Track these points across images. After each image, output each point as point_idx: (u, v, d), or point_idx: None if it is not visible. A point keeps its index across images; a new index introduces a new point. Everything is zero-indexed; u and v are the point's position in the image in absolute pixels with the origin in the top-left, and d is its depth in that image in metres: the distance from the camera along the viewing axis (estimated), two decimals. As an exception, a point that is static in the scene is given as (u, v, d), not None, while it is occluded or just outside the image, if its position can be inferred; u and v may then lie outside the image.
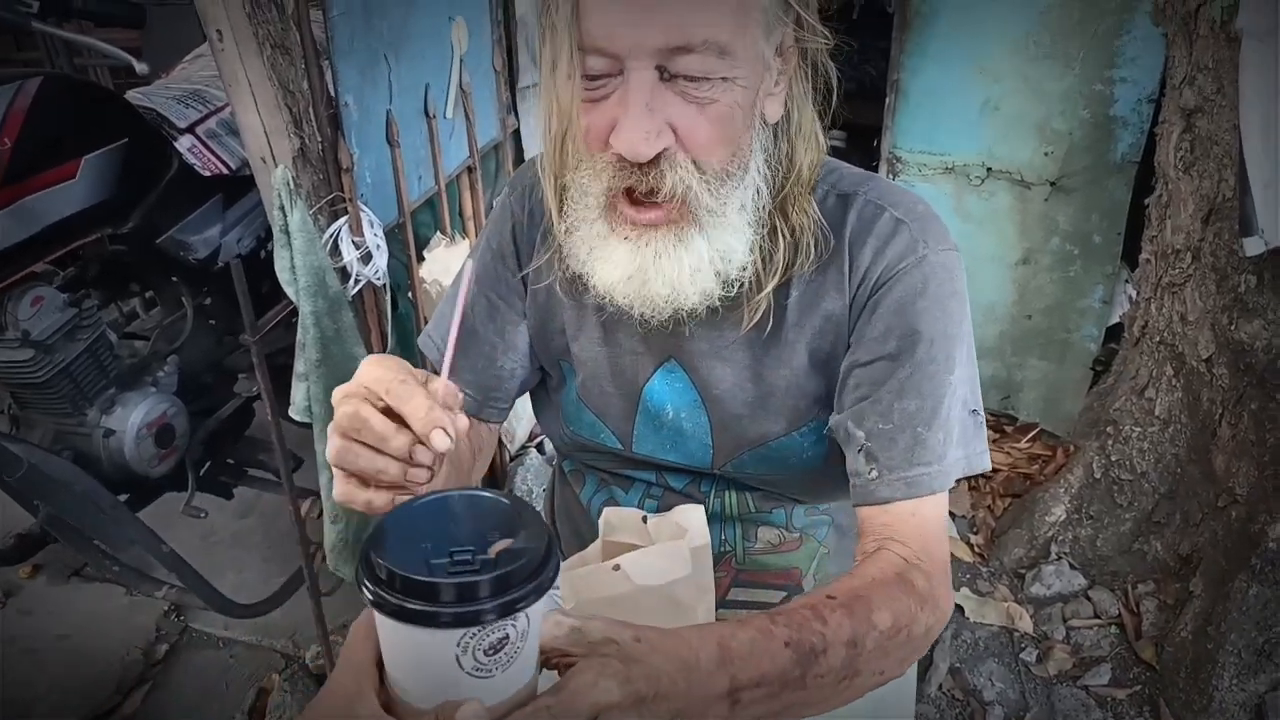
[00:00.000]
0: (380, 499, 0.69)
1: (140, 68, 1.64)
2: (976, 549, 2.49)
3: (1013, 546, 2.40)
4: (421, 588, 0.50)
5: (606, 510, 1.03)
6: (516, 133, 2.39)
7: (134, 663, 2.16)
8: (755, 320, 0.94)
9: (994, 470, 2.64)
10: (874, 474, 0.91)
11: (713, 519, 1.09)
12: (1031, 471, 2.62)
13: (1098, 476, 2.27)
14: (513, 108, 2.32)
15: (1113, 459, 2.23)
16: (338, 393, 0.70)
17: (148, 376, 1.96)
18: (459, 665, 0.51)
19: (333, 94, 1.61)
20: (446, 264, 2.04)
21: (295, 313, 1.60)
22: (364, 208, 1.70)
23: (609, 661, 0.60)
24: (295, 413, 1.61)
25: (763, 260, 0.92)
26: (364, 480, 0.69)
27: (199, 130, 2.09)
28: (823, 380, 0.98)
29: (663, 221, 0.86)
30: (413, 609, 0.50)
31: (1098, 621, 2.24)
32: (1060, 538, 2.34)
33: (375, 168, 1.75)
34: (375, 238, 1.72)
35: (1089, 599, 2.28)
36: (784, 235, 0.91)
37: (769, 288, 0.92)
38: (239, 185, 2.14)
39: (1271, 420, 1.90)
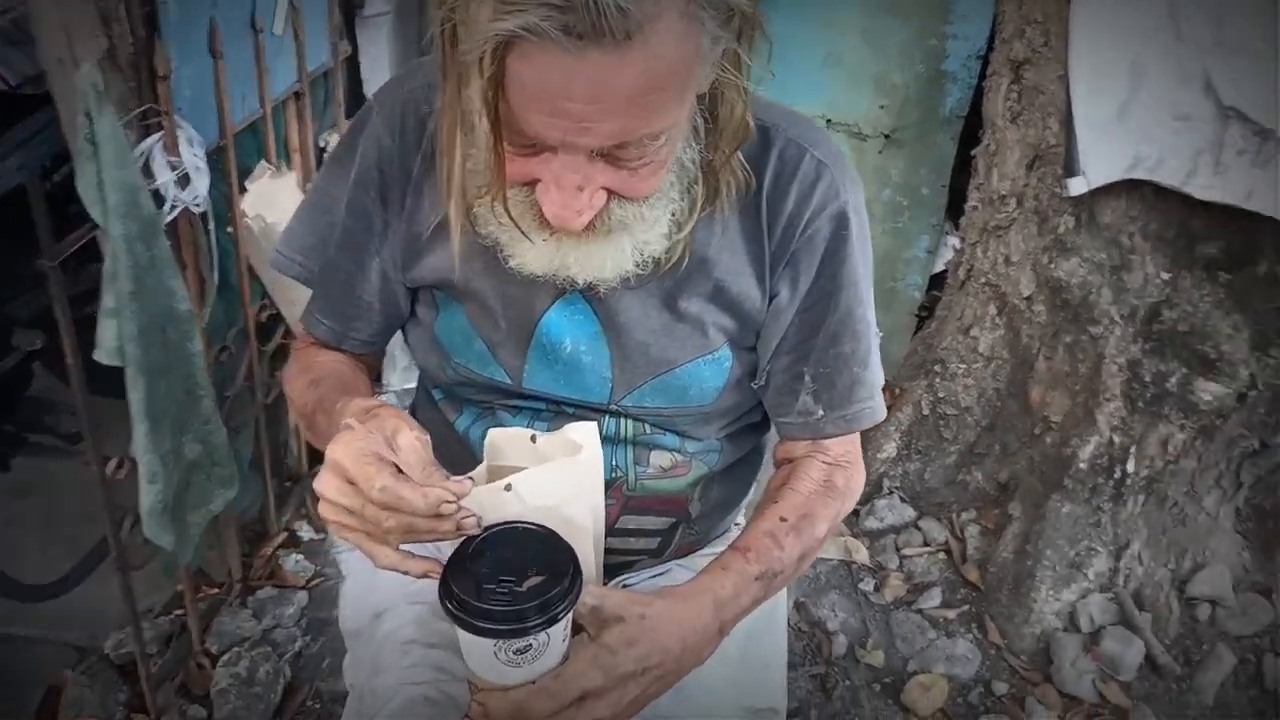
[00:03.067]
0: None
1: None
2: (814, 488, 2.57)
3: (848, 484, 2.49)
4: (469, 608, 0.72)
5: (492, 431, 0.96)
6: (351, 61, 2.21)
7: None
8: (672, 262, 0.91)
9: (827, 413, 2.75)
10: (821, 412, 1.00)
11: (605, 443, 1.04)
12: (861, 414, 2.74)
13: (925, 413, 2.40)
14: (347, 33, 2.14)
15: (939, 396, 2.37)
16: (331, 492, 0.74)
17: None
18: (497, 658, 0.74)
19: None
20: (273, 197, 1.85)
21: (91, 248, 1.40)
22: (182, 122, 1.51)
23: (600, 653, 0.77)
24: (104, 355, 1.40)
25: (680, 206, 0.89)
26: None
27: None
28: (729, 316, 0.98)
29: (589, 232, 0.83)
30: (462, 619, 0.72)
31: (927, 549, 2.38)
32: (891, 473, 2.46)
33: (195, 80, 1.56)
34: (195, 158, 1.53)
35: (919, 529, 2.42)
36: (705, 179, 0.89)
37: (686, 230, 0.89)
38: (18, 105, 1.85)
39: (1083, 351, 2.07)
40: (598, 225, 0.82)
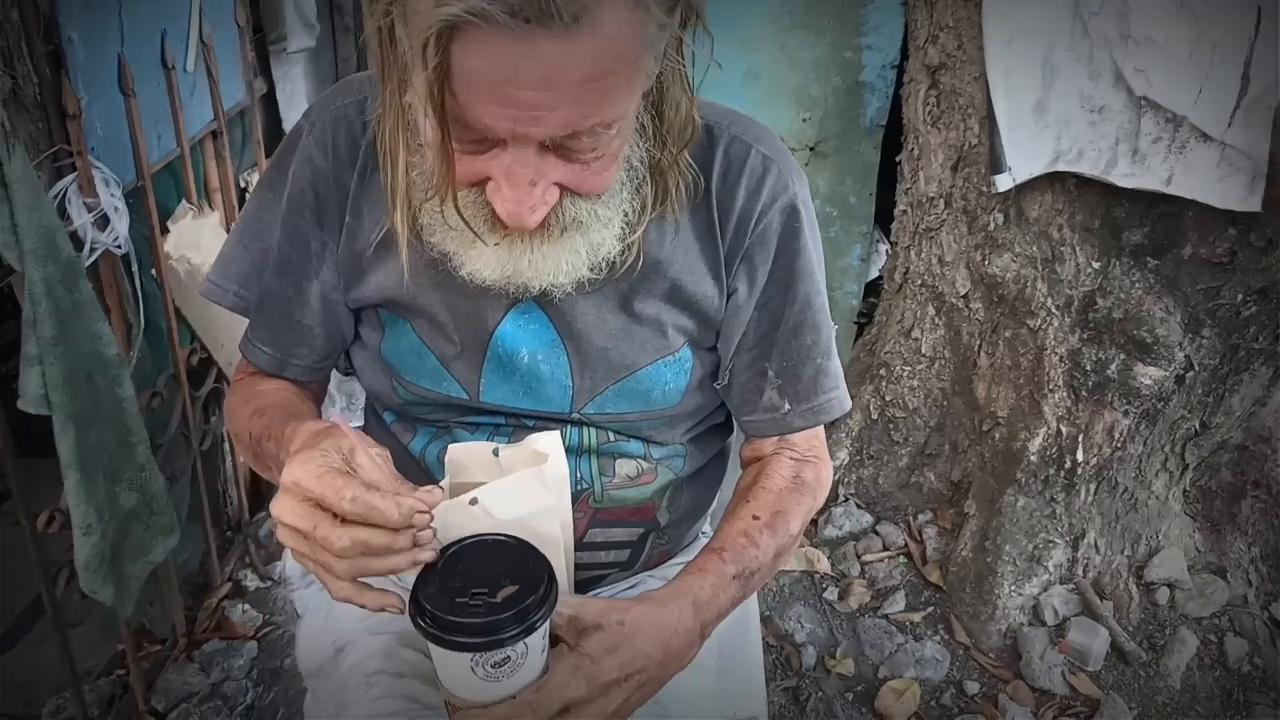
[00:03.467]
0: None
1: None
2: (770, 504, 2.56)
3: (804, 496, 2.49)
4: (442, 622, 0.69)
5: (453, 447, 0.94)
6: (268, 99, 2.16)
7: None
8: (626, 265, 0.89)
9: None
10: (787, 406, 1.00)
11: (568, 454, 1.01)
12: (810, 426, 2.75)
13: (874, 418, 2.41)
14: (261, 70, 2.09)
15: (887, 399, 2.38)
16: (285, 515, 0.71)
17: None
18: (475, 674, 0.71)
19: (51, 29, 1.36)
20: (196, 238, 1.79)
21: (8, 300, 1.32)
22: (96, 162, 1.45)
23: (581, 662, 0.75)
24: (29, 404, 1.32)
25: (631, 208, 0.87)
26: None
27: None
28: (688, 316, 0.97)
29: (541, 231, 0.80)
30: (435, 634, 0.70)
31: (887, 554, 2.38)
32: (846, 479, 2.46)
33: (107, 120, 1.51)
34: (113, 198, 1.47)
35: (877, 534, 2.42)
36: (653, 181, 0.88)
37: (638, 233, 0.88)
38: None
39: (1024, 345, 2.11)
40: (552, 224, 0.80)
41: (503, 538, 0.77)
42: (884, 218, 2.54)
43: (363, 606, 0.72)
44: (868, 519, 2.46)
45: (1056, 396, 2.08)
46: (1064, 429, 2.11)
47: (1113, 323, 1.97)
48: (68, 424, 1.35)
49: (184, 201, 1.78)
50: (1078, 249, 1.96)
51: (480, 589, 0.71)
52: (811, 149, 2.51)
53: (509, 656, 0.71)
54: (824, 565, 2.36)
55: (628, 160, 0.83)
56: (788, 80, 2.43)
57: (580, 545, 1.04)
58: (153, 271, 1.69)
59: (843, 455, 2.47)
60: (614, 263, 0.89)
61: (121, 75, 1.51)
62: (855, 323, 2.76)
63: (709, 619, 0.86)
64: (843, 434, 2.47)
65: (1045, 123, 1.82)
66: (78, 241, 1.42)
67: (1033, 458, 2.13)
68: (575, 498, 1.01)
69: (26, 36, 1.32)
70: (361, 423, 1.16)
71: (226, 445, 2.16)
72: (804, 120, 2.47)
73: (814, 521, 2.48)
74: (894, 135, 2.39)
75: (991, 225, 2.03)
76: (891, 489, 2.46)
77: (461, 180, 0.77)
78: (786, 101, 2.46)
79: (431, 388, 0.99)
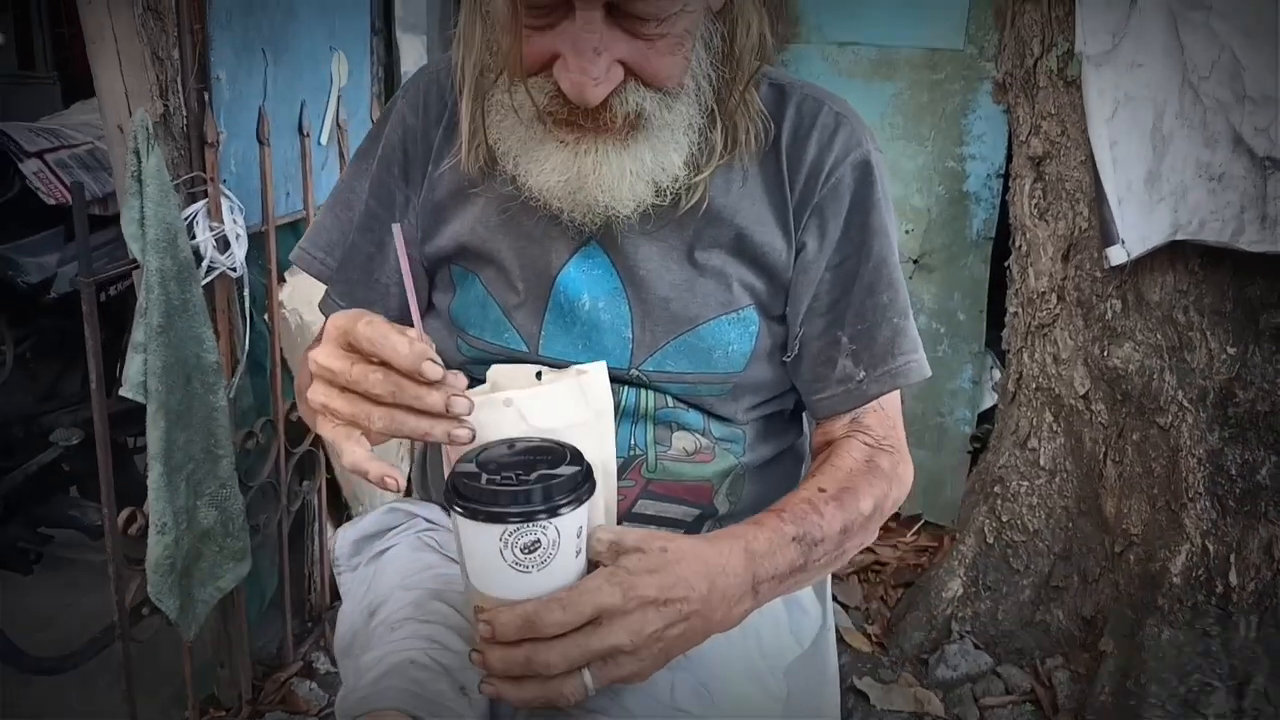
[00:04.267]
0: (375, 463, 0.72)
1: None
2: (874, 638, 2.33)
3: (912, 631, 2.26)
4: (472, 492, 0.69)
5: (495, 367, 0.93)
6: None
7: None
8: (690, 205, 0.90)
9: (883, 563, 2.57)
10: (862, 374, 0.95)
11: (623, 416, 0.98)
12: (920, 563, 2.54)
13: (990, 541, 2.21)
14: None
15: (1003, 520, 2.19)
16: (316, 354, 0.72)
17: (-54, 409, 1.68)
18: (502, 558, 0.69)
19: (204, 68, 1.53)
20: (310, 296, 1.88)
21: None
22: (226, 192, 1.57)
23: (616, 572, 0.71)
24: (128, 389, 1.38)
25: (700, 147, 0.88)
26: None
27: (48, 158, 1.93)
28: (754, 271, 0.95)
29: (607, 131, 0.82)
30: (465, 505, 0.69)
31: (1011, 699, 2.10)
32: (960, 614, 2.23)
33: (241, 161, 1.65)
34: (236, 225, 1.58)
35: (998, 675, 2.14)
36: (722, 122, 0.89)
37: (706, 173, 0.89)
38: (90, 222, 1.97)
39: (1154, 448, 1.92)
40: (615, 111, 0.80)
41: (539, 440, 0.76)
42: (995, 343, 2.45)
43: (365, 476, 0.71)
44: (986, 659, 2.19)
45: (1199, 507, 1.87)
46: (1211, 546, 1.87)
47: (1257, 417, 1.78)
48: (159, 415, 1.39)
49: (303, 258, 1.89)
50: (1208, 334, 1.82)
51: (514, 471, 0.70)
52: (915, 262, 2.49)
53: (539, 540, 0.68)
54: (935, 706, 2.09)
55: (693, 75, 0.84)
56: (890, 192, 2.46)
57: (629, 516, 0.98)
58: (265, 315, 1.78)
59: (955, 586, 2.25)
60: (678, 198, 0.88)
61: (260, 125, 1.67)
62: (968, 451, 2.60)
63: (763, 576, 0.80)
64: (955, 562, 2.26)
65: (1159, 194, 1.75)
66: (197, 258, 1.52)
67: (1175, 580, 1.88)
68: (627, 464, 0.97)
69: (182, 73, 1.49)
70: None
71: (316, 525, 2.16)
72: (907, 232, 2.46)
73: (924, 660, 2.23)
74: (1004, 251, 2.35)
75: (1109, 314, 1.92)
76: (1013, 627, 2.20)
77: (530, 59, 0.79)
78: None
79: (493, 340, 0.98)
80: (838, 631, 2.29)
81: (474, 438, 0.72)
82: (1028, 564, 2.19)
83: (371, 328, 0.69)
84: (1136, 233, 1.75)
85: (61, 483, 1.91)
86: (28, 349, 1.88)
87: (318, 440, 1.99)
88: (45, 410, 1.92)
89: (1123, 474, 2.00)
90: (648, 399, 0.97)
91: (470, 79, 0.87)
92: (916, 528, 2.67)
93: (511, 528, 0.68)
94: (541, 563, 0.69)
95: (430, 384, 0.69)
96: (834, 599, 2.39)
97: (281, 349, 1.82)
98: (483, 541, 0.69)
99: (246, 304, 1.66)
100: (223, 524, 1.55)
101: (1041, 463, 2.13)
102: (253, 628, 1.87)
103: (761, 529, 0.82)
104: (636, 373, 0.95)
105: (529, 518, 0.68)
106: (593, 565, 0.74)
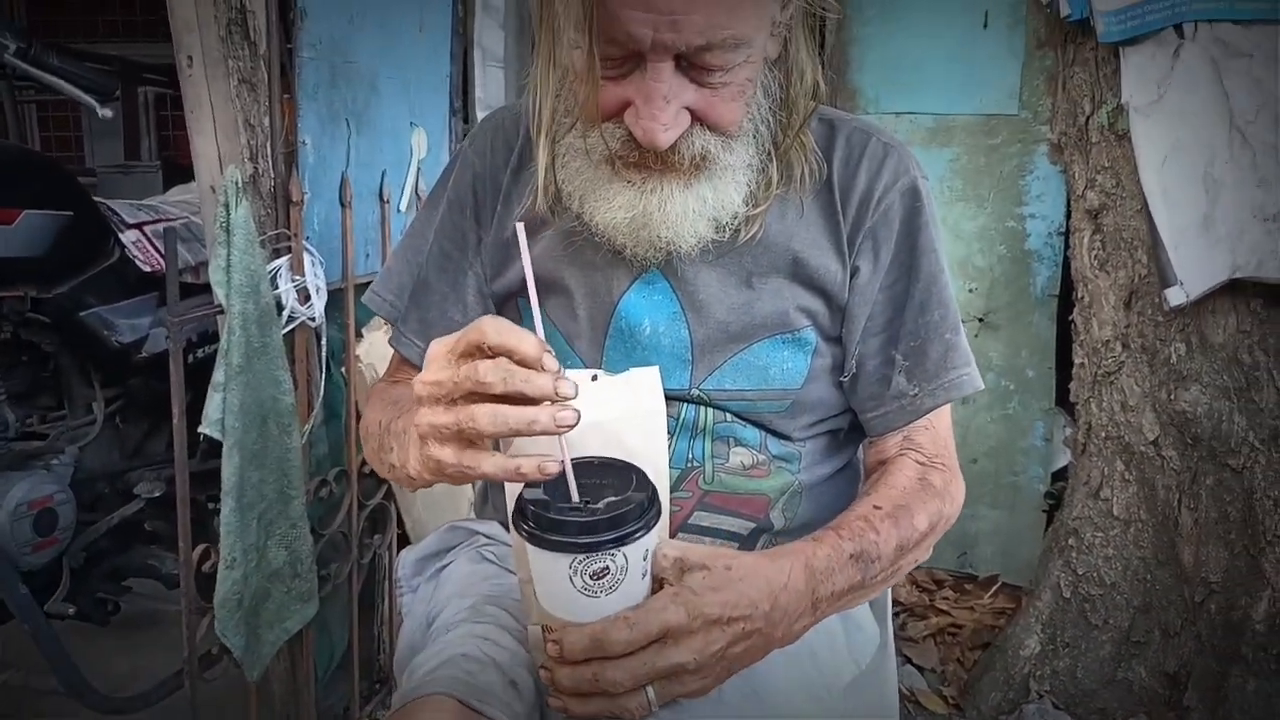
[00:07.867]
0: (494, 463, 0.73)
1: (103, 112, 1.69)
2: (950, 700, 2.26)
3: (989, 692, 2.19)
4: (541, 521, 0.70)
5: None
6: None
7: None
8: (748, 236, 0.95)
9: (959, 625, 2.50)
10: (916, 389, 0.98)
11: (682, 430, 1.01)
12: (998, 625, 2.46)
13: (1067, 596, 2.14)
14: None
15: (1079, 573, 2.13)
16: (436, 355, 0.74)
17: (39, 462, 1.80)
18: (572, 584, 0.70)
19: (291, 133, 1.67)
20: (385, 352, 1.99)
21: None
22: (309, 246, 1.69)
23: (682, 591, 0.73)
24: (206, 426, 1.47)
25: (758, 183, 0.94)
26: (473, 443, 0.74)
27: (147, 229, 2.10)
28: (811, 294, 0.99)
29: (673, 172, 0.89)
30: (536, 534, 0.70)
31: (1094, 761, 2.00)
32: (1038, 673, 2.15)
33: (324, 220, 1.77)
34: (316, 279, 1.69)
35: (1080, 736, 2.05)
36: (778, 160, 0.95)
37: (763, 207, 0.95)
38: (181, 290, 2.11)
39: (1228, 492, 1.87)
40: (682, 153, 0.86)
41: (608, 460, 0.78)
42: (1066, 404, 2.42)
43: (516, 473, 0.71)
44: (1067, 719, 2.10)
45: (1278, 551, 1.79)
46: (1296, 594, 1.79)
47: (1334, 457, 1.73)
48: (234, 452, 1.48)
49: (378, 317, 2.00)
50: (1274, 373, 1.78)
51: (584, 500, 0.72)
52: (981, 320, 2.49)
53: (607, 568, 0.70)
54: (1015, 768, 2.01)
55: (753, 119, 0.90)
56: (951, 252, 2.48)
57: (686, 528, 1.01)
58: (342, 368, 1.88)
59: (1032, 644, 2.18)
60: (737, 230, 0.94)
61: (342, 189, 1.80)
62: (1044, 510, 2.54)
63: (823, 592, 0.82)
64: (1031, 619, 2.20)
65: (1215, 237, 1.75)
66: (279, 307, 1.63)
67: (1259, 628, 1.80)
68: (684, 476, 1.00)
69: (271, 138, 1.63)
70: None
71: (386, 583, 2.21)
72: (970, 291, 2.48)
73: (1001, 721, 2.15)
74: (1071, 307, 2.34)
75: (1174, 357, 1.90)
76: (1094, 685, 2.11)
77: (604, 107, 0.85)
78: (951, 273, 2.49)
79: None
80: (913, 694, 2.25)
81: (578, 420, 0.70)
82: (1106, 618, 2.11)
83: (499, 321, 0.71)
84: (1194, 274, 1.74)
85: (142, 537, 1.99)
86: (117, 409, 1.97)
87: (390, 494, 2.06)
88: (131, 467, 2.03)
89: (1198, 520, 1.94)
90: (707, 415, 1.00)
91: (546, 124, 0.93)
92: (994, 589, 2.60)
93: (581, 556, 0.69)
94: (610, 588, 0.71)
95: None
96: (909, 661, 2.34)
97: (357, 402, 1.91)
98: (552, 568, 0.71)
99: (324, 354, 1.76)
100: (291, 565, 1.61)
101: (1115, 513, 2.08)
102: (321, 684, 1.88)
103: (821, 546, 0.84)
104: (697, 392, 1.00)
105: (598, 547, 0.69)
106: (656, 578, 0.76)
